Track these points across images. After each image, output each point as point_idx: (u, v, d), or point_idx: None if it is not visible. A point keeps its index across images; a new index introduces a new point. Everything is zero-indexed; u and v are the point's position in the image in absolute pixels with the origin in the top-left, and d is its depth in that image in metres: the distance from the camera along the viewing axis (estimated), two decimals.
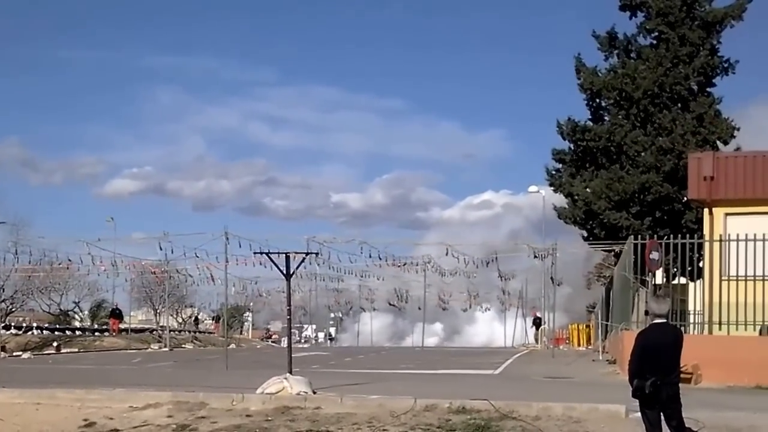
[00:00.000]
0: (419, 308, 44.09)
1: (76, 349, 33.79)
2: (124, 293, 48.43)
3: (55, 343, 33.82)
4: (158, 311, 50.42)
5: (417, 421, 10.80)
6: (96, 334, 42.51)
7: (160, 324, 47.22)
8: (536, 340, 41.11)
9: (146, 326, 51.42)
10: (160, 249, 33.71)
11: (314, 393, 12.69)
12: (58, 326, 44.46)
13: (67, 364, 24.27)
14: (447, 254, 36.19)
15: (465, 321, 60.28)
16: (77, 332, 43.41)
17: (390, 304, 51.98)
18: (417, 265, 38.44)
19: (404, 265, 38.50)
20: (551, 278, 33.45)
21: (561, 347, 35.92)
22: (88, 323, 53.29)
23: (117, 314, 45.46)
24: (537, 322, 42.36)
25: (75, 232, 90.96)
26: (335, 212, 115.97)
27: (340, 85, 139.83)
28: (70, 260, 36.31)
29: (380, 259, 35.87)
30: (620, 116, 30.95)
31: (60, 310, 51.96)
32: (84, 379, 16.53)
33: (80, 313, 56.24)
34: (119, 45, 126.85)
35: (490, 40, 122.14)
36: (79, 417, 11.94)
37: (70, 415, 12.12)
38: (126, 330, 46.60)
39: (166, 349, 36.20)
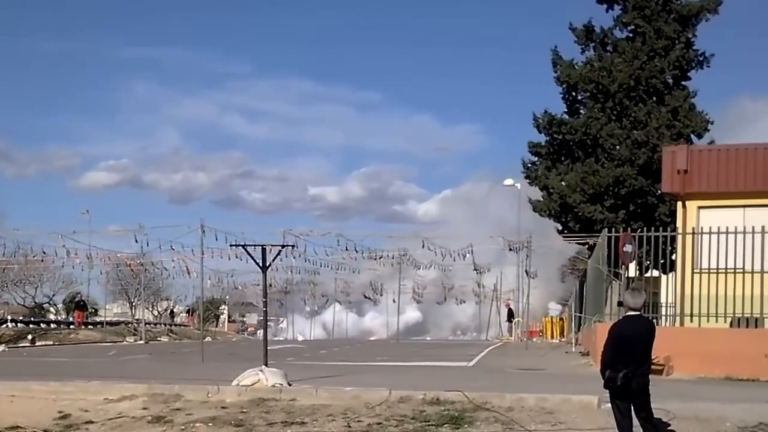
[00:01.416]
0: (393, 301, 44.17)
1: (51, 342, 33.47)
2: (99, 286, 48.20)
3: (29, 336, 33.50)
4: (134, 304, 50.19)
5: (391, 412, 10.85)
6: (71, 326, 42.22)
7: (136, 317, 46.96)
8: (510, 332, 41.37)
9: (121, 319, 51.15)
10: (136, 242, 33.51)
11: (289, 385, 12.71)
12: (32, 319, 44.12)
13: (41, 356, 24.04)
14: (423, 247, 36.30)
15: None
16: (52, 325, 43.10)
17: (365, 297, 52.06)
18: (392, 258, 38.50)
19: (380, 258, 38.53)
20: (526, 271, 33.66)
21: (534, 339, 36.19)
22: (63, 316, 52.91)
23: (81, 306, 45.09)
24: (510, 314, 42.60)
25: (50, 224, 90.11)
26: (312, 205, 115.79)
27: (316, 77, 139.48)
28: (44, 253, 35.89)
29: (356, 251, 35.90)
30: (596, 109, 31.17)
31: (35, 302, 51.59)
32: (59, 372, 16.40)
33: (55, 306, 55.87)
34: (94, 36, 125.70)
35: (464, 34, 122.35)
36: (53, 409, 11.89)
37: (45, 407, 12.06)
38: (101, 323, 46.32)
39: (142, 342, 36.02)
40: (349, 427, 10.32)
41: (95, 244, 36.20)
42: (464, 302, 51.28)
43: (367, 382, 13.54)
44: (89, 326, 43.43)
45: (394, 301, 43.63)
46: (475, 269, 41.07)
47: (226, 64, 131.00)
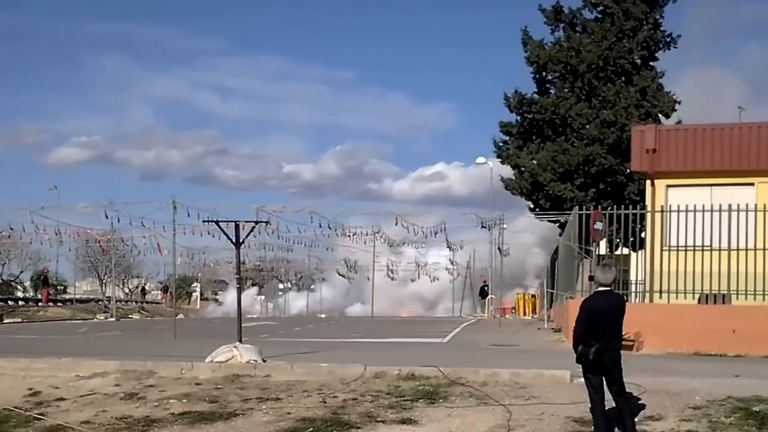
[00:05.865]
0: (368, 278, 44.22)
1: (20, 319, 33.15)
2: (69, 263, 47.58)
3: None
4: (104, 281, 49.72)
5: (367, 387, 10.93)
6: (39, 304, 41.80)
7: (106, 294, 46.57)
8: (483, 309, 41.68)
9: (91, 296, 50.72)
10: (106, 218, 33.07)
11: (264, 361, 12.73)
12: (0, 296, 43.57)
13: (10, 334, 23.78)
14: (396, 224, 36.39)
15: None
16: (20, 302, 42.63)
17: (339, 274, 52.09)
18: (366, 235, 38.52)
19: (354, 235, 38.54)
20: (498, 248, 33.88)
21: (507, 316, 36.54)
22: (31, 293, 52.31)
23: (45, 281, 44.35)
24: (484, 292, 42.88)
25: (17, 200, 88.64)
26: (287, 183, 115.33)
27: (288, 55, 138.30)
28: (12, 229, 35.38)
29: (330, 228, 35.89)
30: (565, 89, 31.32)
31: (2, 279, 50.92)
32: (28, 349, 16.28)
33: (22, 284, 55.14)
34: (62, 11, 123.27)
35: (437, 13, 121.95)
36: (23, 386, 11.78)
37: (15, 384, 11.94)
38: (70, 300, 45.83)
39: (113, 319, 35.78)
40: (325, 402, 10.37)
41: (64, 221, 35.66)
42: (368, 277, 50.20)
43: (342, 358, 13.60)
44: (58, 303, 43.02)
45: (368, 278, 43.68)
46: (448, 246, 41.25)
47: (197, 41, 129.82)
